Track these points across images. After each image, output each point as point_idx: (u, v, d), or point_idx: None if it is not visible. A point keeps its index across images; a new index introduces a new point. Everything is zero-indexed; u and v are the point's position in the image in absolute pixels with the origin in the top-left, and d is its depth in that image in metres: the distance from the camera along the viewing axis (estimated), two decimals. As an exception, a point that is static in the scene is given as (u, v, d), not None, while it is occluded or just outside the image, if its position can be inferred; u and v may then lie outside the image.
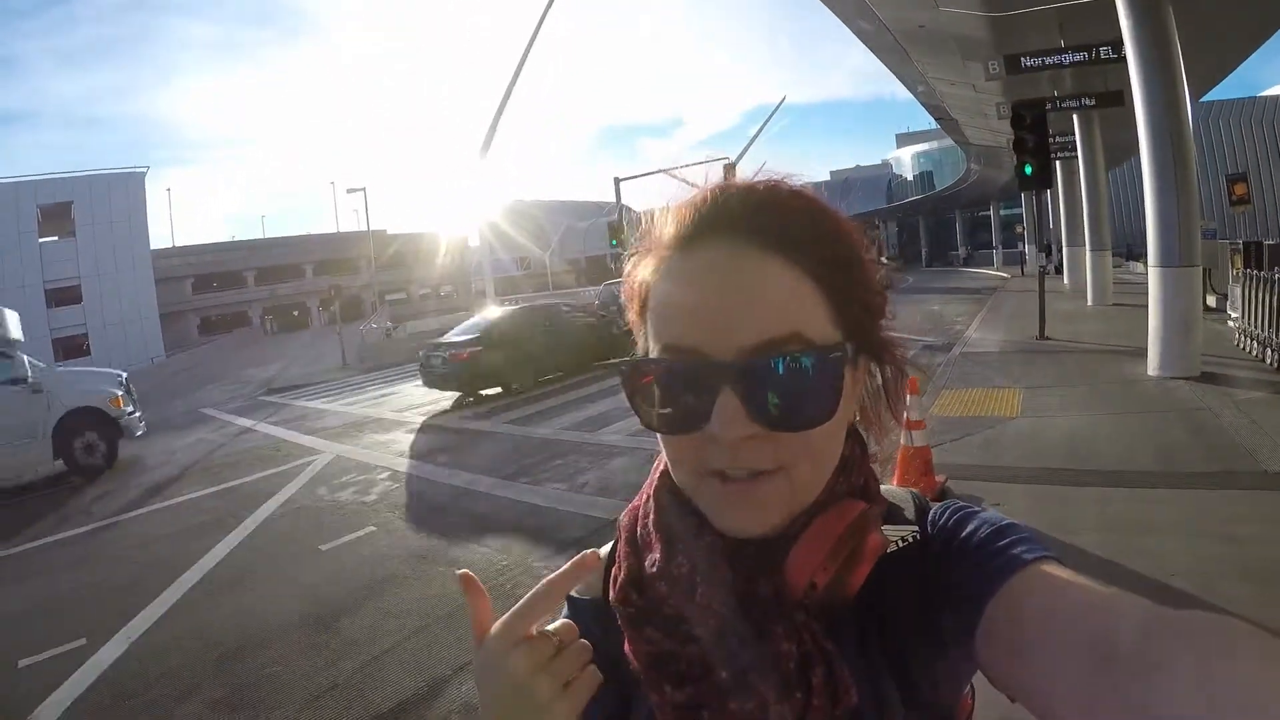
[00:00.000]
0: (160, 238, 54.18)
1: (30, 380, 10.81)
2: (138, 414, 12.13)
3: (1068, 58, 12.80)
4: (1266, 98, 47.00)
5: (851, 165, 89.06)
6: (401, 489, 7.94)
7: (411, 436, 10.98)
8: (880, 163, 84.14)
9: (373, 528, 6.67)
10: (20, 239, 38.13)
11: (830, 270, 0.60)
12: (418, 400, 14.61)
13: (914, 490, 0.75)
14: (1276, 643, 0.41)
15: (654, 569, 0.64)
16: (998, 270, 42.82)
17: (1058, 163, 20.35)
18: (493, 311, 15.91)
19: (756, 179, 0.64)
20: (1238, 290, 10.07)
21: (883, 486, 0.71)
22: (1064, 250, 23.99)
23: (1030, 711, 0.52)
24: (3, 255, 36.63)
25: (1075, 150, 19.09)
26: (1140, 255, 20.42)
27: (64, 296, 39.66)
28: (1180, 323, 8.48)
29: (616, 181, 30.89)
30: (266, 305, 53.90)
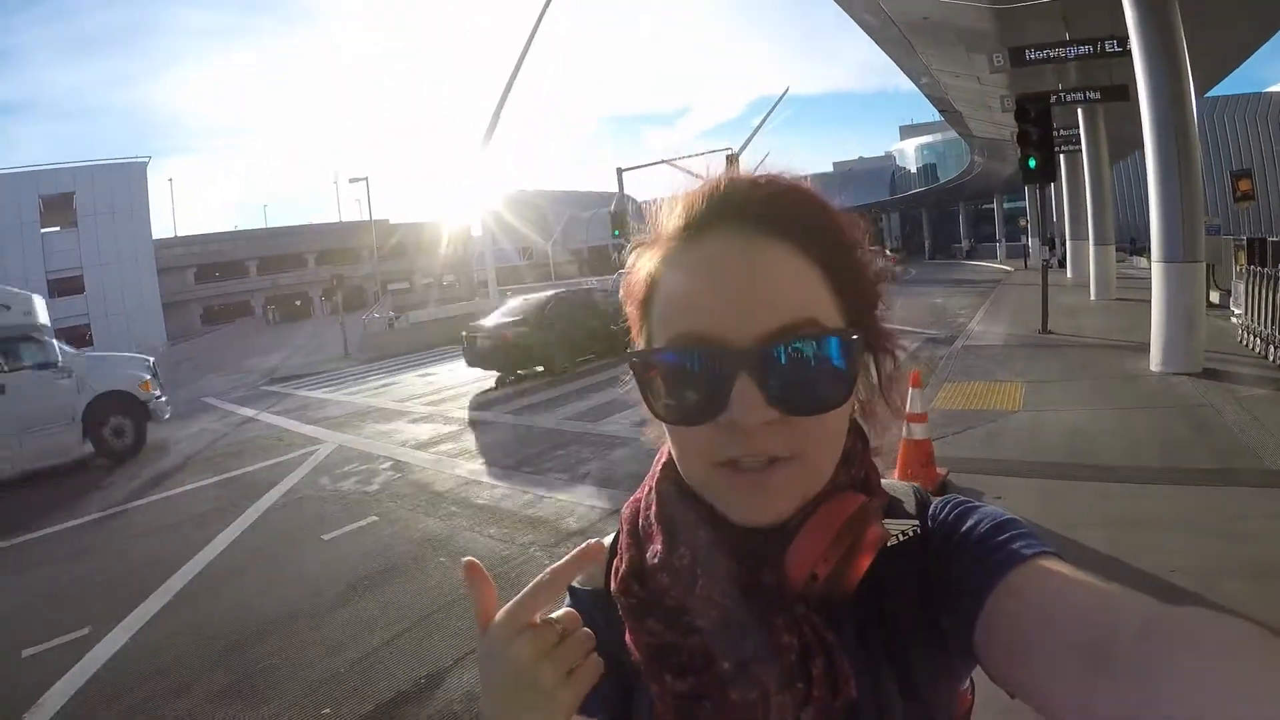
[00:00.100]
0: (162, 227, 54.34)
1: (60, 365, 11.05)
2: (164, 398, 12.40)
3: (1073, 51, 12.73)
4: (1272, 94, 46.83)
5: (855, 157, 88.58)
6: (404, 479, 7.94)
7: (414, 426, 10.98)
8: (884, 154, 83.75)
9: (375, 517, 6.69)
10: (22, 229, 38.10)
11: (833, 259, 0.61)
12: (419, 390, 14.64)
13: (915, 484, 0.76)
14: (1276, 642, 0.41)
15: (655, 560, 0.65)
16: (1001, 263, 42.69)
17: (1062, 156, 20.29)
18: (534, 296, 16.22)
19: (757, 172, 0.65)
20: (1241, 286, 10.04)
21: (884, 480, 0.72)
22: (1067, 244, 23.92)
23: (1030, 707, 0.52)
24: (5, 246, 36.61)
25: (1079, 144, 19.03)
26: (1144, 250, 20.38)
27: (66, 287, 39.53)
28: (1183, 318, 8.46)
29: (619, 172, 30.86)
30: (269, 295, 53.80)
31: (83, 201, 40.54)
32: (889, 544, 0.64)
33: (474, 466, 8.08)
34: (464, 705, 3.56)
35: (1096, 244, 17.95)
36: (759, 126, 55.00)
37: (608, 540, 0.75)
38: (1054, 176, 13.63)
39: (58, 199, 40.04)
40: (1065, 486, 5.37)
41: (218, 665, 4.25)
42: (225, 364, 25.93)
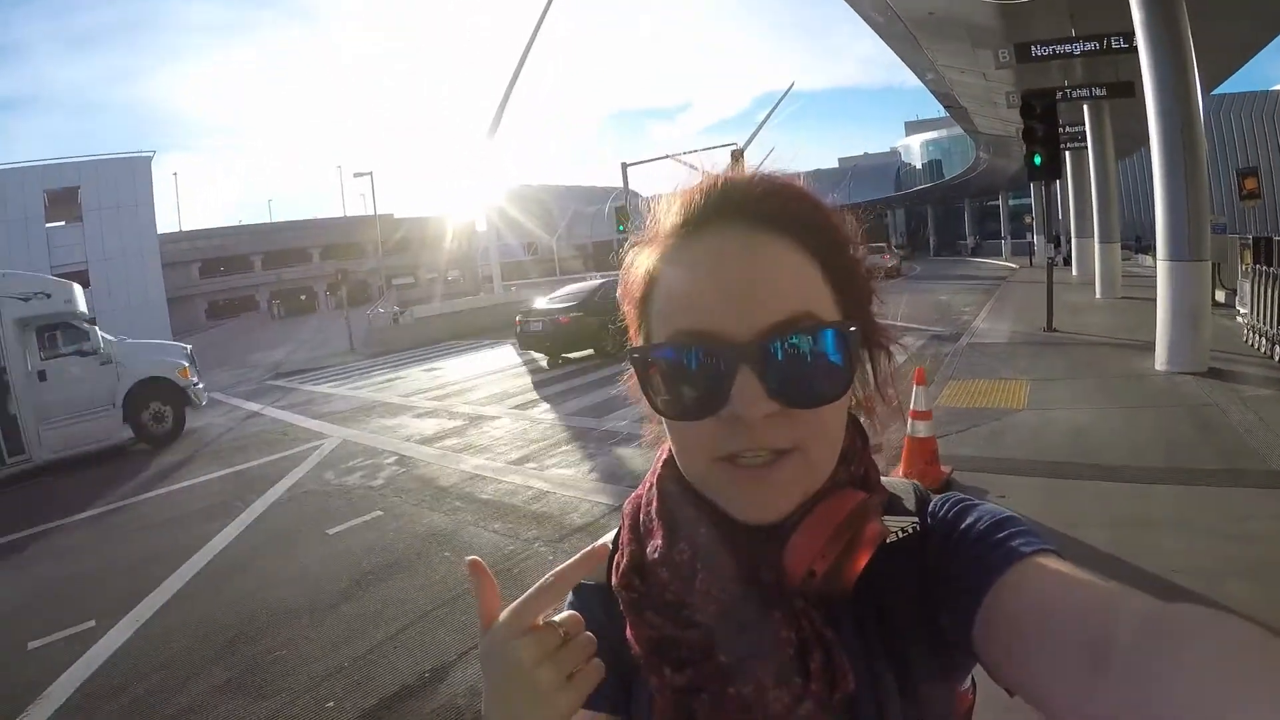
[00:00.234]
0: (167, 222, 54.34)
1: (100, 351, 11.42)
2: (201, 384, 12.88)
3: (1079, 47, 12.69)
4: (1279, 91, 46.54)
5: (860, 153, 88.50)
6: (408, 474, 7.95)
7: (419, 421, 10.99)
8: (889, 150, 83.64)
9: (379, 512, 6.70)
10: (27, 224, 38.07)
11: (829, 255, 0.62)
12: (425, 385, 14.64)
13: (915, 481, 0.76)
14: (1274, 640, 0.41)
15: (656, 555, 0.65)
16: (1006, 260, 42.64)
17: (1067, 153, 20.21)
18: (583, 284, 17.23)
19: (752, 171, 0.66)
20: (1247, 286, 9.99)
21: (884, 477, 0.72)
22: (1073, 241, 23.85)
23: (1029, 705, 0.53)
24: (10, 240, 36.60)
25: (1085, 141, 18.95)
26: (1149, 248, 20.30)
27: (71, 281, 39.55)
28: (1188, 317, 8.42)
29: (624, 167, 30.81)
30: (273, 289, 53.81)
31: (87, 196, 40.50)
32: (888, 541, 0.65)
33: (479, 461, 8.08)
34: (467, 700, 3.58)
35: (1102, 242, 17.89)
36: (764, 122, 55.07)
37: (609, 536, 0.76)
38: (1059, 173, 13.56)
39: (62, 193, 40.00)
40: (1069, 486, 5.36)
41: (222, 659, 4.27)
42: (230, 359, 25.92)
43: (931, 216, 67.10)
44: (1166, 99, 8.39)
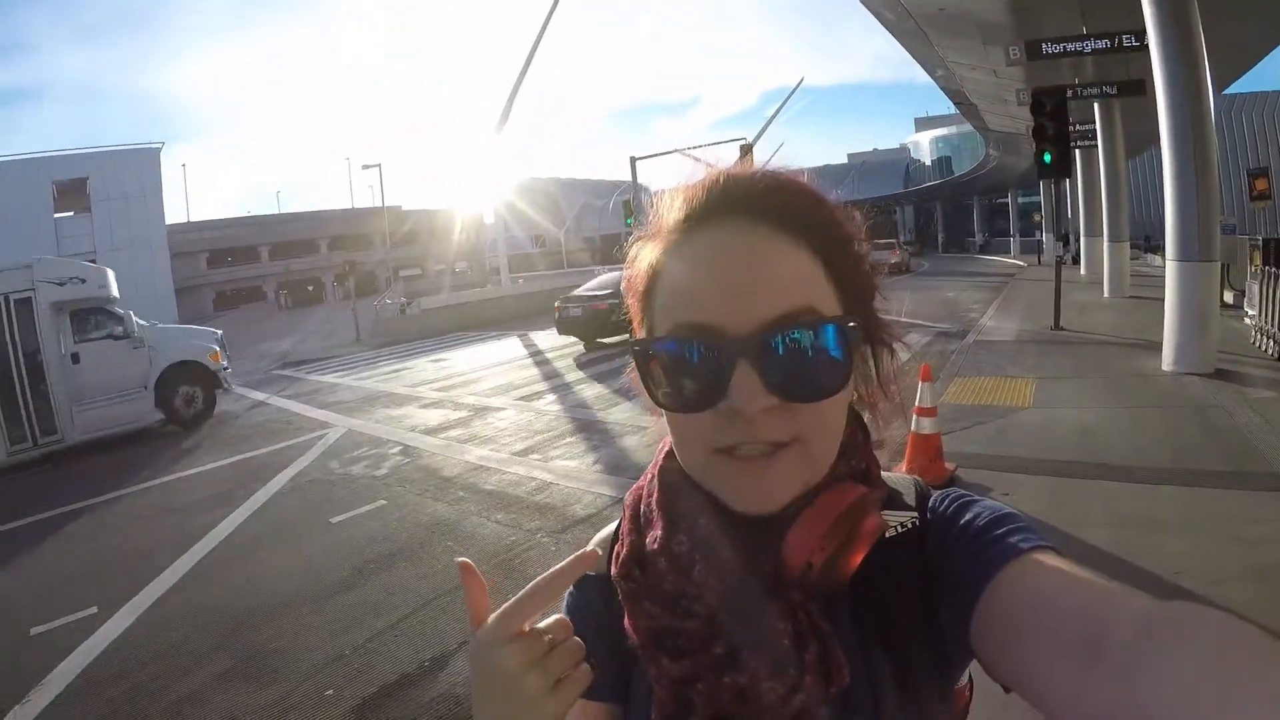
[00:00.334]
0: (175, 213, 54.35)
1: (134, 335, 11.77)
2: (230, 369, 13.33)
3: (1089, 45, 12.64)
4: (1291, 91, 46.25)
5: (869, 149, 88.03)
6: (412, 464, 7.98)
7: (424, 411, 11.01)
8: (898, 147, 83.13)
9: (383, 501, 6.72)
10: (36, 214, 38.23)
11: (831, 250, 0.62)
12: (431, 376, 14.67)
13: (916, 477, 0.76)
14: (1269, 641, 0.41)
15: (655, 546, 0.66)
16: (1014, 258, 42.50)
17: (1077, 151, 20.12)
18: (619, 273, 17.57)
19: (756, 167, 0.66)
20: (1255, 287, 9.94)
21: (885, 473, 0.72)
22: (1081, 240, 23.77)
23: (1026, 701, 0.53)
24: (19, 230, 36.68)
25: (1095, 139, 18.86)
26: (1158, 247, 20.22)
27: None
28: (1196, 318, 8.39)
29: (632, 160, 30.78)
30: (281, 280, 53.86)
31: (96, 187, 40.61)
32: (887, 535, 0.65)
33: (483, 452, 8.10)
34: (466, 689, 3.56)
35: (1111, 241, 17.82)
36: (773, 117, 54.77)
37: (611, 528, 0.76)
38: (1069, 172, 13.51)
39: (71, 184, 40.12)
40: (1073, 485, 5.35)
41: (224, 646, 4.30)
42: (237, 348, 25.96)
43: (940, 213, 66.90)
44: (1177, 98, 8.35)
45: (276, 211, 61.95)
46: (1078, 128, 18.01)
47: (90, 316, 11.54)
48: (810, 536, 0.60)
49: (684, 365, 0.61)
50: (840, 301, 0.62)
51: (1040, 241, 37.41)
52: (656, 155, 31.36)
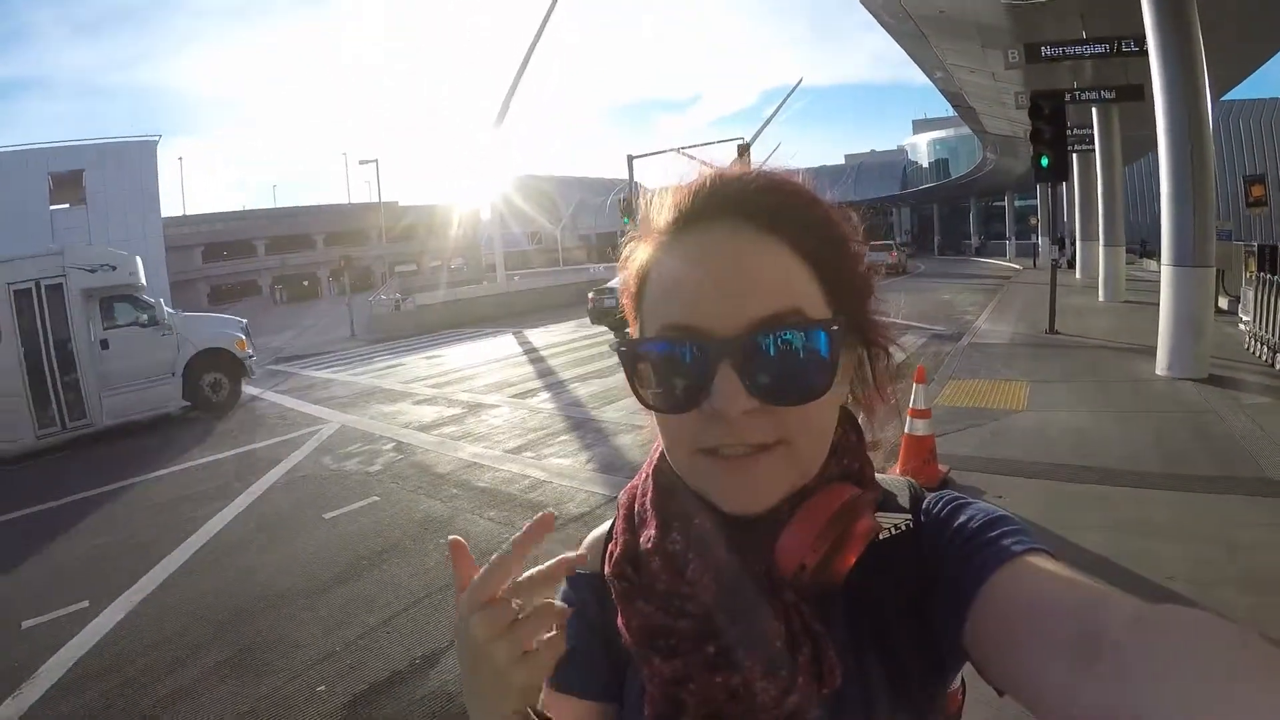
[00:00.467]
0: (171, 206, 54.21)
1: (162, 322, 12.06)
2: (255, 357, 13.62)
3: (1089, 49, 12.65)
4: (1289, 99, 46.42)
5: (867, 150, 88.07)
6: (406, 460, 7.97)
7: (418, 408, 11.00)
8: (896, 148, 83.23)
9: (376, 498, 6.71)
10: (32, 206, 38.06)
11: (820, 252, 0.61)
12: (425, 373, 14.65)
13: (910, 479, 0.76)
14: (1265, 645, 0.41)
15: (649, 545, 0.66)
16: (1010, 261, 42.60)
17: (1074, 155, 20.16)
18: None
19: (746, 168, 0.66)
20: (1250, 293, 9.97)
21: (880, 474, 0.72)
22: (1077, 244, 23.82)
23: (1018, 704, 0.52)
24: (15, 222, 36.54)
25: (1093, 143, 18.90)
26: (1154, 252, 20.28)
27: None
28: (1191, 323, 8.42)
29: (630, 159, 30.76)
30: (276, 275, 53.66)
31: (92, 179, 40.40)
32: (880, 537, 0.65)
33: (476, 449, 8.10)
34: (458, 686, 3.56)
35: (1106, 245, 17.86)
36: (771, 116, 54.80)
37: (605, 526, 0.76)
38: (1066, 176, 13.56)
39: (67, 176, 39.92)
40: (1067, 488, 5.37)
41: (214, 642, 4.29)
42: (231, 342, 25.94)
43: (937, 215, 66.88)
44: (1176, 103, 8.37)
45: (273, 206, 61.85)
46: (1075, 132, 18.04)
47: (120, 303, 11.80)
48: (804, 537, 0.60)
49: (668, 366, 0.61)
50: (831, 303, 0.61)
51: (1036, 245, 37.52)
52: (654, 154, 31.38)
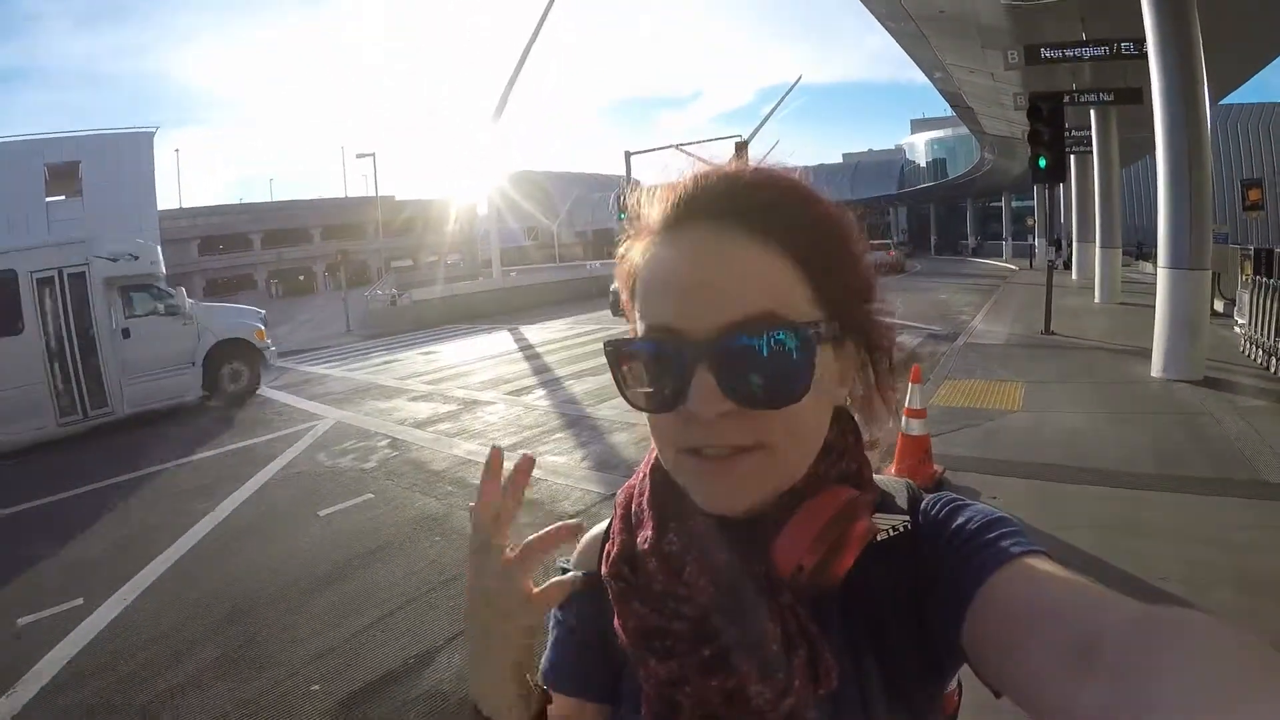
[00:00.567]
0: (167, 198, 53.92)
1: (183, 312, 12.23)
2: (274, 347, 13.90)
3: (1088, 51, 12.66)
4: (1287, 104, 46.56)
5: (865, 149, 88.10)
6: (401, 457, 7.96)
7: (413, 404, 10.98)
8: (894, 148, 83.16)
9: (371, 495, 6.70)
10: (28, 197, 37.91)
11: (812, 252, 0.61)
12: (420, 368, 14.64)
13: (908, 480, 0.76)
14: (1264, 647, 0.41)
15: (646, 545, 0.66)
16: (1006, 262, 42.71)
17: (1072, 157, 20.19)
18: None
19: (743, 166, 0.66)
20: (1246, 297, 9.99)
21: (877, 475, 0.72)
22: (1074, 245, 23.88)
23: (1016, 705, 0.52)
24: (10, 213, 36.39)
25: (1090, 145, 18.93)
26: (1150, 254, 20.32)
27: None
28: (1186, 325, 8.44)
29: (627, 155, 30.76)
30: (272, 269, 53.51)
31: (88, 171, 40.15)
32: (878, 539, 0.65)
33: (472, 446, 8.09)
34: (453, 685, 3.58)
35: (1103, 247, 17.91)
36: (770, 114, 54.86)
37: (602, 526, 0.76)
38: (1064, 177, 13.57)
39: (63, 167, 39.65)
40: (1061, 489, 5.38)
41: (209, 639, 4.28)
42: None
43: (934, 215, 66.93)
44: (1174, 106, 8.39)
45: (269, 199, 61.71)
46: (1073, 133, 18.08)
47: (141, 292, 11.93)
48: (800, 539, 0.60)
49: (650, 367, 0.62)
50: (820, 305, 0.61)
51: (1033, 246, 37.58)
52: (651, 150, 31.39)
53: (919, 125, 78.64)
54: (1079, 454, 6.08)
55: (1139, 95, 13.21)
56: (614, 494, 0.75)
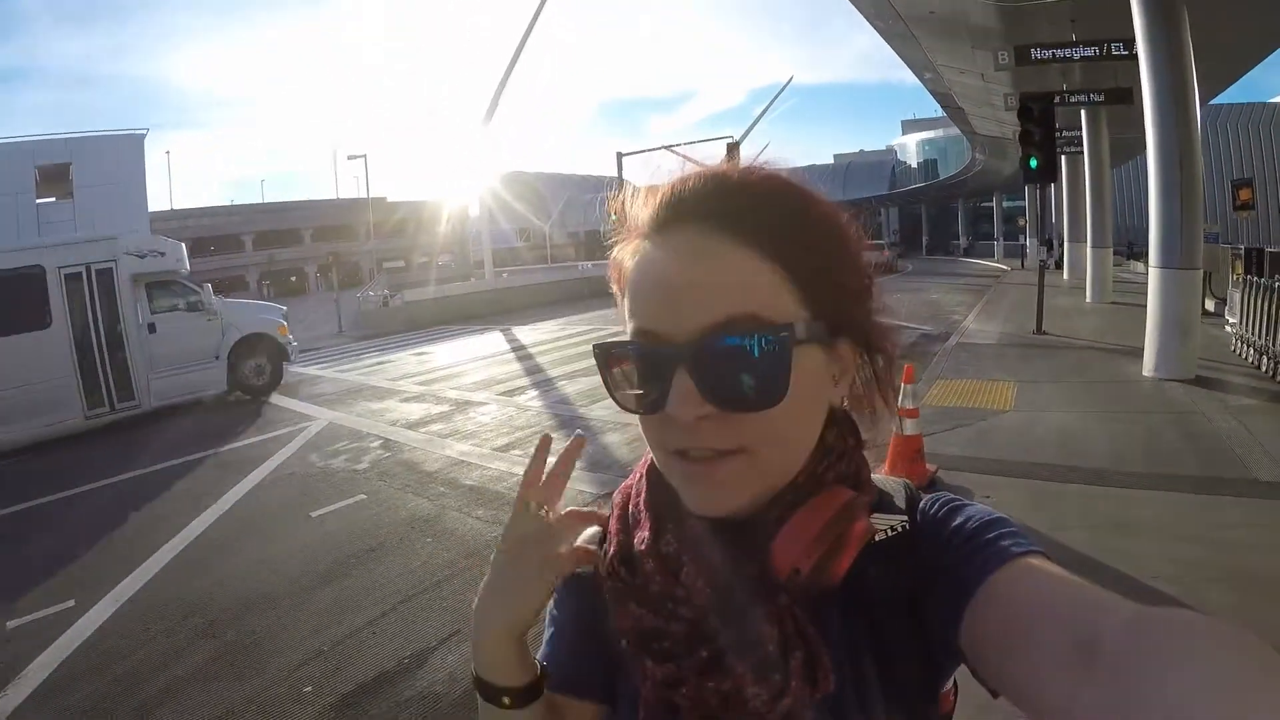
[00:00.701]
0: (158, 200, 53.72)
1: (207, 308, 12.57)
2: (296, 343, 14.08)
3: (1078, 52, 12.73)
4: (1276, 104, 46.88)
5: (856, 150, 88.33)
6: (393, 458, 7.93)
7: (405, 405, 10.95)
8: (885, 148, 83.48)
9: (363, 496, 6.68)
10: (18, 199, 37.71)
11: (799, 253, 0.60)
12: (412, 369, 14.60)
13: (907, 480, 0.76)
14: (1264, 648, 0.41)
15: (643, 546, 0.66)
16: (998, 262, 42.88)
17: (1063, 157, 20.28)
18: None
19: (733, 167, 0.65)
20: (1237, 296, 10.04)
21: (875, 475, 0.72)
22: (1065, 245, 23.97)
23: (1014, 705, 0.52)
24: (1, 215, 36.29)
25: (1081, 146, 19.02)
26: (1141, 254, 20.43)
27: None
28: (1178, 325, 8.48)
29: (619, 156, 30.78)
30: (264, 270, 53.44)
31: (79, 172, 39.99)
32: (876, 539, 0.64)
33: (464, 447, 8.07)
34: (446, 686, 3.57)
35: (1094, 246, 17.98)
36: (761, 115, 55.06)
37: (599, 526, 0.76)
38: (1054, 177, 13.62)
39: (54, 169, 39.48)
40: (1053, 488, 5.39)
41: (200, 641, 4.26)
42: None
43: (925, 216, 67.15)
44: (1164, 106, 8.43)
45: (261, 201, 61.58)
46: (1064, 134, 18.15)
47: (166, 288, 12.31)
48: (798, 541, 0.59)
49: (633, 370, 0.62)
50: (809, 306, 0.60)
51: (1024, 246, 37.74)
52: (643, 151, 31.43)
53: (910, 126, 79.01)
54: (1071, 453, 6.10)
55: (1129, 95, 13.31)
56: (607, 494, 0.75)
